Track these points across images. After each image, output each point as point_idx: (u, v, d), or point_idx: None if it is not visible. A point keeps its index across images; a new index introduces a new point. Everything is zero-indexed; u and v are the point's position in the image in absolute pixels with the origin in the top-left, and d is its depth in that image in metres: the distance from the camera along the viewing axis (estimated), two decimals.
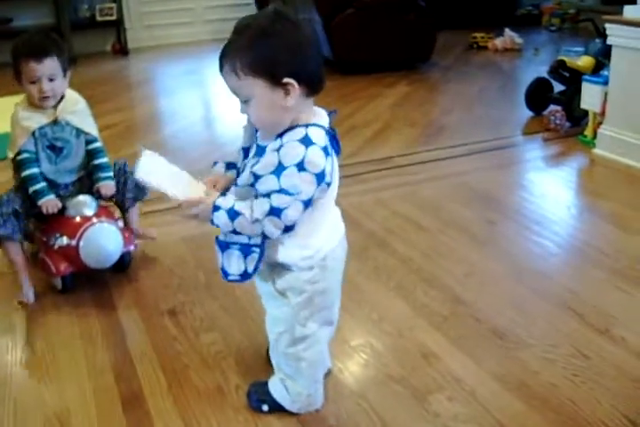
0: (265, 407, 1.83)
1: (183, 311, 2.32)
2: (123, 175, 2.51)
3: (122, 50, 7.06)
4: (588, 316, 2.23)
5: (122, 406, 1.88)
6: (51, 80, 2.29)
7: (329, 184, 1.49)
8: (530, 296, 2.36)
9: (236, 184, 1.56)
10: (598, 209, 3.12)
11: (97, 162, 2.47)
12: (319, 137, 1.46)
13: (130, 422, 1.82)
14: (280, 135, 1.47)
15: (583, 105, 3.89)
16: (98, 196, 2.44)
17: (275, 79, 1.42)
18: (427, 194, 3.26)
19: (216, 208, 1.49)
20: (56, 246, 2.35)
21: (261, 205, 1.44)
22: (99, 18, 6.89)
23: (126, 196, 2.55)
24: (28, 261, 2.47)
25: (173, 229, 2.94)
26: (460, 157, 3.75)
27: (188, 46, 7.27)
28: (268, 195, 1.44)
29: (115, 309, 2.35)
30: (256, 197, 1.48)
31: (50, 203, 2.32)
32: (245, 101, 1.47)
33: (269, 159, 1.44)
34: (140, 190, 2.57)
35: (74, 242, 2.32)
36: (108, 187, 2.44)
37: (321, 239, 1.61)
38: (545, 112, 4.26)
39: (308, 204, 1.46)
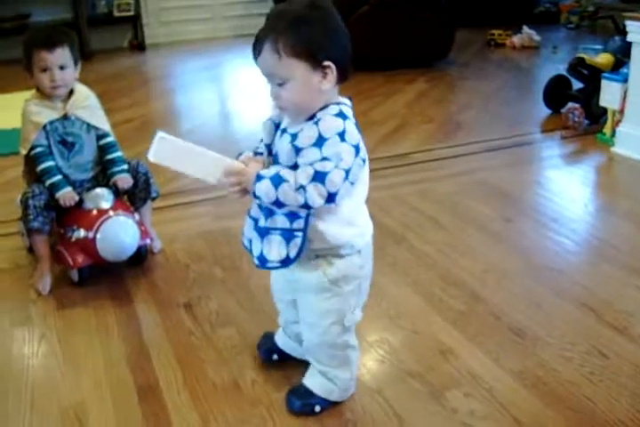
0: (317, 408, 1.78)
1: (199, 305, 2.32)
2: (135, 175, 2.51)
3: (139, 46, 7.06)
4: (605, 314, 2.21)
5: (137, 398, 1.88)
6: (62, 69, 2.31)
7: (364, 160, 1.54)
8: (547, 294, 2.34)
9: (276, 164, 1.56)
10: (616, 207, 3.10)
11: (111, 156, 2.47)
12: (350, 114, 1.52)
13: (145, 413, 1.82)
14: (311, 117, 1.51)
15: (602, 103, 3.86)
16: (115, 189, 2.44)
17: (315, 62, 1.46)
18: (444, 191, 3.24)
19: (259, 178, 1.49)
20: (73, 239, 2.36)
21: (305, 171, 1.45)
22: (116, 13, 6.89)
23: (137, 195, 2.56)
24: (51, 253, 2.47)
25: (191, 224, 2.94)
26: (477, 154, 3.73)
27: (206, 42, 7.27)
28: (310, 164, 1.46)
29: (131, 301, 2.35)
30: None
31: (67, 195, 2.33)
32: (280, 84, 1.49)
33: (309, 132, 1.48)
34: (150, 191, 2.57)
35: (91, 234, 2.32)
36: (124, 180, 2.44)
37: (365, 218, 1.66)
38: (563, 110, 4.22)
39: (348, 175, 1.47)
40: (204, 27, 7.50)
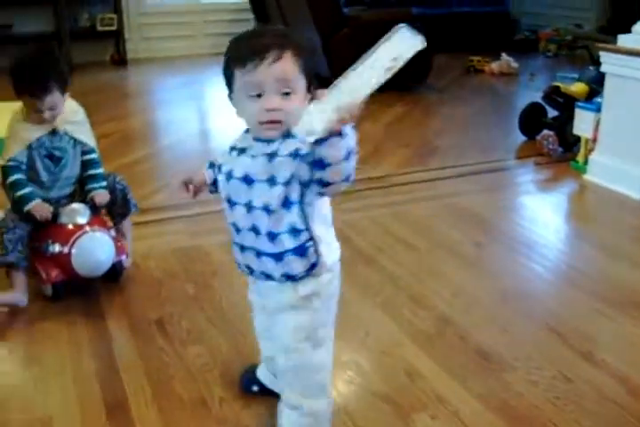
0: None
1: (171, 322, 2.33)
2: (113, 190, 2.52)
3: (120, 60, 7.09)
4: (571, 339, 2.25)
5: (106, 413, 1.89)
6: (51, 109, 2.29)
7: None
8: (515, 318, 2.38)
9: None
10: (586, 234, 3.15)
11: (92, 172, 2.48)
12: None
13: None
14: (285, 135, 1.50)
15: (576, 131, 3.93)
16: (92, 204, 2.45)
17: (309, 86, 1.51)
18: (418, 214, 3.28)
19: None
20: (48, 253, 2.37)
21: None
22: (99, 28, 6.93)
23: (115, 211, 2.57)
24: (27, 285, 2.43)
25: (165, 241, 2.95)
26: (452, 179, 3.78)
27: (187, 59, 7.31)
28: None
29: (103, 317, 2.36)
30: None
31: (38, 207, 2.33)
32: (287, 93, 1.47)
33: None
34: (128, 206, 2.59)
35: (66, 249, 2.33)
36: (102, 195, 2.45)
37: (334, 238, 1.66)
38: (538, 137, 4.30)
39: None
40: (185, 43, 7.55)
